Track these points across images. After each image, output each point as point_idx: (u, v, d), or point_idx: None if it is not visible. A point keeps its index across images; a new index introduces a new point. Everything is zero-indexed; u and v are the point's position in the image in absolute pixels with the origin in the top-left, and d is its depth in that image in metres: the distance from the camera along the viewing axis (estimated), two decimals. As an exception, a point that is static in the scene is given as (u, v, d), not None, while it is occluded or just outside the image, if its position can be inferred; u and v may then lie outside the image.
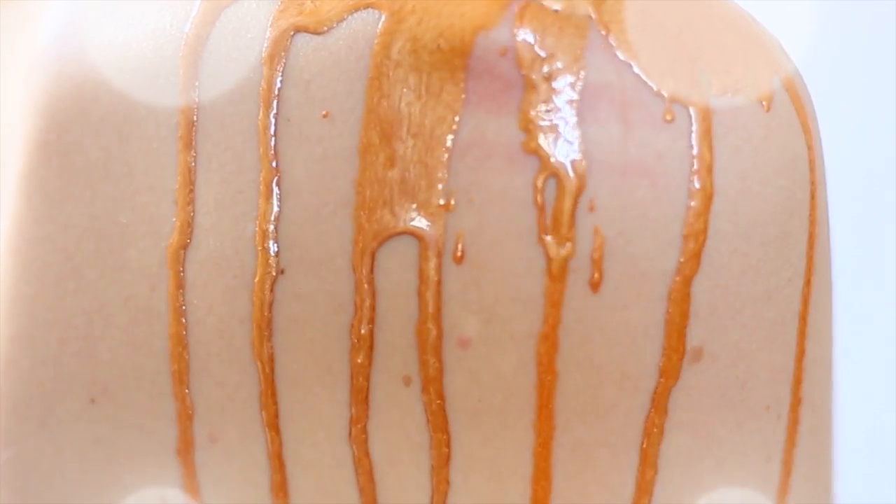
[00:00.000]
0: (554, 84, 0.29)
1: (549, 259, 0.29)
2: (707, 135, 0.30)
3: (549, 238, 0.29)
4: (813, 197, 0.32)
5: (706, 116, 0.30)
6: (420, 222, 0.30)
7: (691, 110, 0.30)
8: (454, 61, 0.29)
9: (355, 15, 0.30)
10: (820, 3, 0.60)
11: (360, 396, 0.30)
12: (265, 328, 0.30)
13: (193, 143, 0.31)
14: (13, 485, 0.33)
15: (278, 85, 0.30)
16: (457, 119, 0.29)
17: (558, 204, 0.29)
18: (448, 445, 0.30)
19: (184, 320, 0.31)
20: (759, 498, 0.32)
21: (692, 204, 0.30)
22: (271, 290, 0.30)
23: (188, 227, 0.31)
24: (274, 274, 0.30)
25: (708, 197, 0.30)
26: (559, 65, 0.29)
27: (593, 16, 0.30)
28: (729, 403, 0.31)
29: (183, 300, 0.31)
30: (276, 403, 0.31)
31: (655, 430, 0.30)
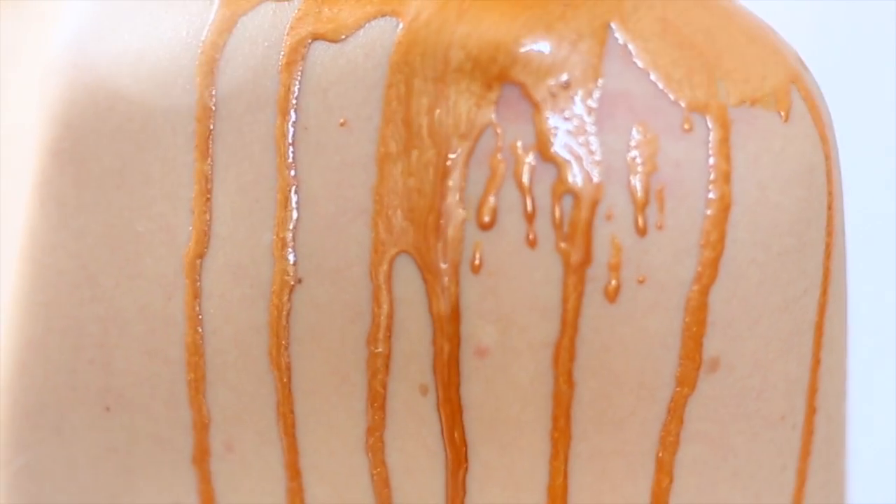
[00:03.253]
0: (572, 92, 0.29)
1: (566, 268, 0.29)
2: (725, 144, 0.30)
3: (566, 247, 0.29)
4: (830, 207, 0.32)
5: (724, 126, 0.30)
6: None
7: (709, 120, 0.30)
8: (472, 70, 0.29)
9: (373, 23, 0.30)
10: (820, 3, 0.59)
11: (377, 405, 0.30)
12: (282, 337, 0.30)
13: (210, 151, 0.31)
14: (26, 492, 0.33)
15: (296, 93, 0.30)
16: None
17: (575, 213, 0.29)
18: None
19: (200, 329, 0.31)
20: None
21: (709, 213, 0.30)
22: (289, 299, 0.30)
23: (205, 236, 0.31)
24: (291, 283, 0.30)
25: (725, 206, 0.30)
26: (577, 73, 0.29)
27: (612, 24, 0.30)
28: (745, 413, 0.31)
29: (199, 309, 0.31)
30: (292, 412, 0.31)
31: (671, 439, 0.30)
